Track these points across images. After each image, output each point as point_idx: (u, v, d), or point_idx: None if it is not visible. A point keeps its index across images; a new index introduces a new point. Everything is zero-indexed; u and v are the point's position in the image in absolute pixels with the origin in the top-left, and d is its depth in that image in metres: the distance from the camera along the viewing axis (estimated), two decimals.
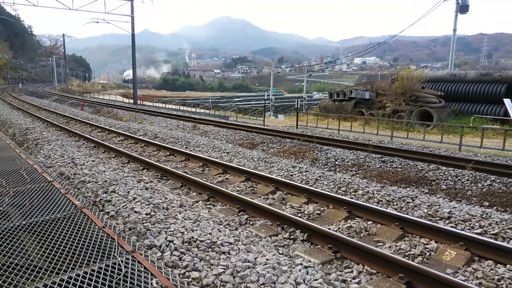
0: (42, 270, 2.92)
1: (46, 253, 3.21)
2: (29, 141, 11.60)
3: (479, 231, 5.23)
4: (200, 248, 3.95)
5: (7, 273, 2.83)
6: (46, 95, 47.37)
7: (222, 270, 3.48)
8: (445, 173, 8.27)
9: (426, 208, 6.04)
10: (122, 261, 3.11)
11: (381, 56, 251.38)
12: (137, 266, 3.09)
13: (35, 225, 3.82)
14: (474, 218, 5.57)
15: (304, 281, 3.38)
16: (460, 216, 5.65)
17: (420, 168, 8.72)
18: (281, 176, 8.23)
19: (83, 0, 29.91)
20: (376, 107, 23.57)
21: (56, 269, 2.93)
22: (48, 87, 69.79)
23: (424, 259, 4.53)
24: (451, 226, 5.39)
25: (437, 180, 7.97)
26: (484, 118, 20.17)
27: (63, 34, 66.59)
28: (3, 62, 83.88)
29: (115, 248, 3.37)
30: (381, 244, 4.93)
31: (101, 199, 5.66)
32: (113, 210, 5.14)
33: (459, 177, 7.97)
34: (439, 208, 5.98)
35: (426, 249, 4.71)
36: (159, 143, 11.88)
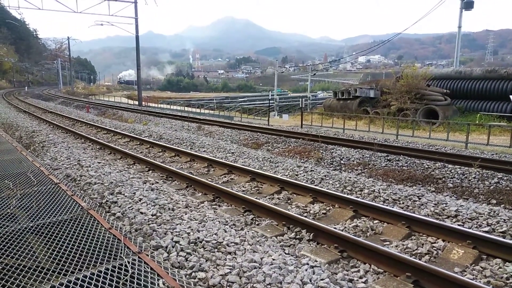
0: (50, 271, 2.93)
1: (53, 255, 3.23)
2: (36, 144, 11.68)
3: (486, 229, 5.18)
4: (206, 249, 3.96)
5: (15, 274, 2.86)
6: (51, 97, 47.71)
7: (229, 270, 3.48)
8: (452, 171, 8.21)
9: (433, 206, 6.00)
10: (128, 262, 3.12)
11: (386, 54, 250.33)
12: (144, 267, 3.10)
13: (42, 227, 3.85)
14: (482, 216, 5.52)
15: (310, 281, 3.37)
16: (467, 214, 5.61)
17: (426, 166, 8.67)
18: (286, 176, 8.22)
19: (87, 2, 30.11)
20: (381, 106, 23.47)
21: (63, 271, 2.95)
22: (54, 90, 70.31)
23: (432, 258, 4.50)
24: (458, 225, 5.35)
25: (443, 178, 7.92)
26: (490, 115, 20.01)
27: (68, 37, 67.06)
28: (9, 66, 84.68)
29: (121, 249, 3.38)
30: (387, 243, 4.90)
31: (107, 201, 5.69)
32: (119, 212, 5.16)
33: (465, 175, 7.91)
34: (446, 206, 5.94)
35: (433, 248, 4.68)
36: (164, 144, 11.91)
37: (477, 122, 18.27)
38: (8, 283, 2.73)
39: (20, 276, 2.83)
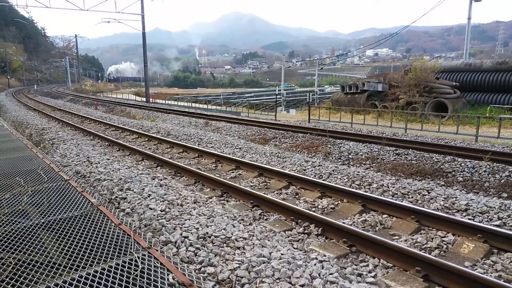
0: (61, 267, 2.97)
1: (64, 250, 3.27)
2: (45, 141, 11.81)
3: (497, 223, 5.13)
4: (215, 244, 3.97)
5: (27, 270, 2.90)
6: (60, 95, 48.16)
7: (237, 265, 3.49)
8: (462, 164, 8.12)
9: (443, 200, 5.95)
10: (138, 257, 3.14)
11: (394, 47, 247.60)
12: (154, 262, 3.13)
13: (53, 223, 3.90)
14: (492, 210, 5.46)
15: (319, 275, 3.37)
16: (477, 208, 5.55)
17: (436, 160, 8.58)
18: (294, 170, 8.21)
19: (94, 0, 30.20)
20: (389, 99, 23.25)
21: (74, 266, 2.99)
22: (62, 88, 70.95)
23: (441, 252, 4.47)
24: (469, 219, 5.30)
25: (453, 172, 7.84)
26: (501, 108, 19.72)
27: (76, 34, 67.56)
28: (18, 64, 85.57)
29: (131, 245, 3.41)
30: (396, 237, 4.88)
31: (116, 197, 5.74)
32: (128, 207, 5.21)
33: (476, 169, 7.82)
34: (455, 200, 5.88)
35: (443, 242, 4.64)
36: (172, 140, 11.96)
37: (487, 115, 18.01)
38: (21, 278, 2.77)
39: (33, 271, 2.87)
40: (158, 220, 4.61)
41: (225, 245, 3.98)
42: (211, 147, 11.34)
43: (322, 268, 3.56)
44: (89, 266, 2.99)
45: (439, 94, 21.07)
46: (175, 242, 3.97)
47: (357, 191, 6.25)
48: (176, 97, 49.82)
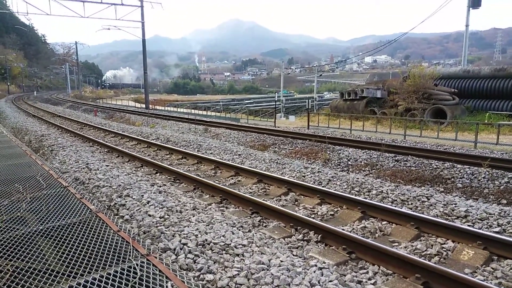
0: (59, 274, 2.96)
1: (63, 258, 3.25)
2: (45, 148, 11.81)
3: (497, 229, 5.12)
4: (214, 251, 3.96)
5: (25, 277, 2.88)
6: (60, 102, 48.22)
7: (237, 272, 3.48)
8: (461, 171, 8.12)
9: (442, 207, 5.94)
10: (137, 265, 3.13)
11: (392, 54, 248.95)
12: (152, 269, 3.11)
13: (52, 230, 3.88)
14: (492, 217, 5.46)
15: (319, 283, 3.36)
16: (477, 215, 5.55)
17: (435, 166, 8.59)
18: (294, 177, 8.20)
19: (94, 7, 30.44)
20: (388, 106, 23.32)
21: (73, 273, 2.97)
22: (62, 94, 71.10)
23: (441, 259, 4.45)
24: (468, 225, 5.29)
25: (452, 179, 7.84)
26: (499, 114, 19.77)
27: (76, 41, 67.93)
28: (18, 71, 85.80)
29: (130, 252, 3.40)
30: (396, 244, 4.86)
31: (115, 203, 5.72)
32: (127, 214, 5.19)
33: (475, 175, 7.82)
34: (455, 207, 5.87)
35: (443, 249, 4.63)
36: (172, 147, 11.96)
37: (486, 121, 18.06)
38: (19, 286, 2.76)
39: (31, 279, 2.86)
40: (157, 227, 4.59)
41: (224, 252, 3.96)
42: (211, 153, 11.34)
43: (322, 275, 3.54)
44: (88, 274, 2.98)
45: (438, 101, 21.14)
46: (174, 249, 3.95)
47: (357, 197, 6.24)
48: (176, 103, 49.94)
